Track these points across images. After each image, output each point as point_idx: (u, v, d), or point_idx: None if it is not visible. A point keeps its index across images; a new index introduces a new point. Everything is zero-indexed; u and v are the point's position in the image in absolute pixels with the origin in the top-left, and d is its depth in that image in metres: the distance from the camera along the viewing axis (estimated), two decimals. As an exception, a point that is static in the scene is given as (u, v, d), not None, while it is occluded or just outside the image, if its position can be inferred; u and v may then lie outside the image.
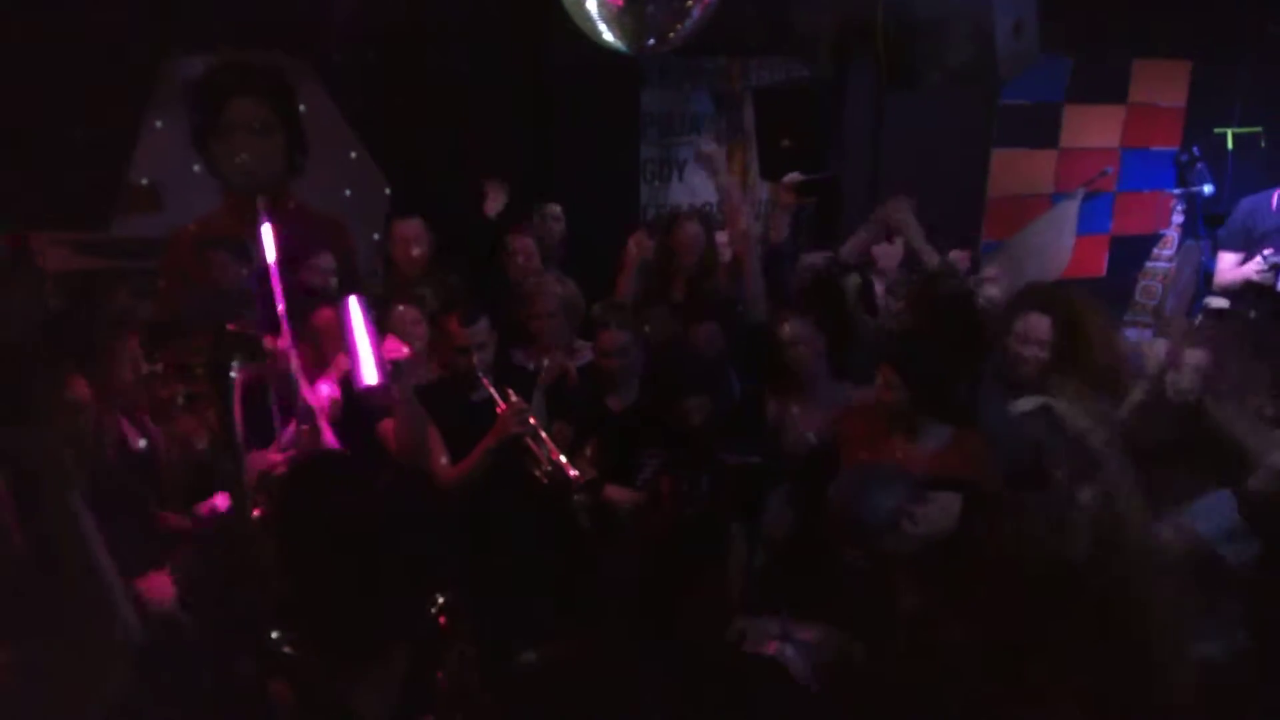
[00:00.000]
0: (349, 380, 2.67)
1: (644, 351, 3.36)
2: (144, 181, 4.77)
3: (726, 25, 3.93)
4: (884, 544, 2.19)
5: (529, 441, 2.92)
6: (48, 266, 3.65)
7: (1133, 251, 6.09)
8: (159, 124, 4.80)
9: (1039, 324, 3.04)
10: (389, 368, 2.66)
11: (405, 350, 2.76)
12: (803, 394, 3.31)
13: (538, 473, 2.91)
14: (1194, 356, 2.95)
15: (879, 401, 2.89)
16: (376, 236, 5.06)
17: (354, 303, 2.62)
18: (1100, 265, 6.23)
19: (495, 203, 3.99)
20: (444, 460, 2.98)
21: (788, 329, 3.29)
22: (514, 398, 2.94)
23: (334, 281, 3.61)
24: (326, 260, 3.60)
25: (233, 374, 2.02)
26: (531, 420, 2.92)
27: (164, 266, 3.79)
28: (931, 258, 3.85)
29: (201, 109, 4.88)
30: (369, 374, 2.56)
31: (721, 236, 4.25)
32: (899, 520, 2.18)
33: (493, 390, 2.96)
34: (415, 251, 3.98)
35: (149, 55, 4.68)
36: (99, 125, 4.48)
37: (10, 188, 4.11)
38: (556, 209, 4.16)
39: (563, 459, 2.89)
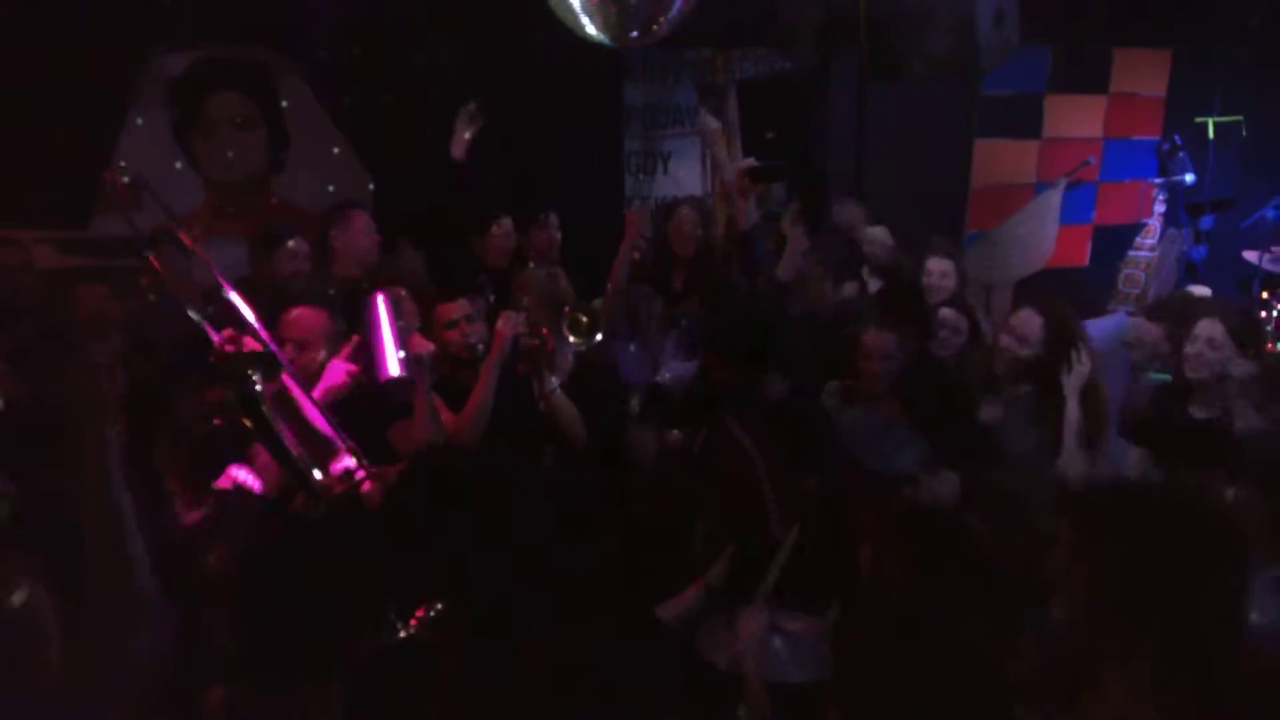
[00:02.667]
0: (368, 368, 2.73)
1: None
2: (125, 179, 4.73)
3: (710, 17, 3.93)
4: (882, 497, 2.17)
5: (527, 340, 2.95)
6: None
7: (1115, 240, 6.14)
8: (140, 121, 4.77)
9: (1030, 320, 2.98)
10: (414, 363, 2.74)
11: (431, 346, 2.83)
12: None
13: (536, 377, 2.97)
14: (1207, 328, 2.89)
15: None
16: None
17: (381, 300, 2.73)
18: (1083, 254, 6.26)
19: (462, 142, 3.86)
20: (449, 417, 2.98)
21: (870, 340, 3.08)
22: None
23: (307, 267, 3.57)
24: (299, 245, 3.55)
25: (258, 388, 2.04)
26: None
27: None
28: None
29: (183, 103, 4.88)
30: (393, 366, 2.67)
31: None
32: (904, 482, 2.17)
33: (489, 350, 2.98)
34: (364, 243, 3.95)
35: (131, 52, 4.65)
36: (80, 122, 4.45)
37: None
38: (554, 218, 4.14)
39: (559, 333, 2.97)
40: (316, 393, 2.48)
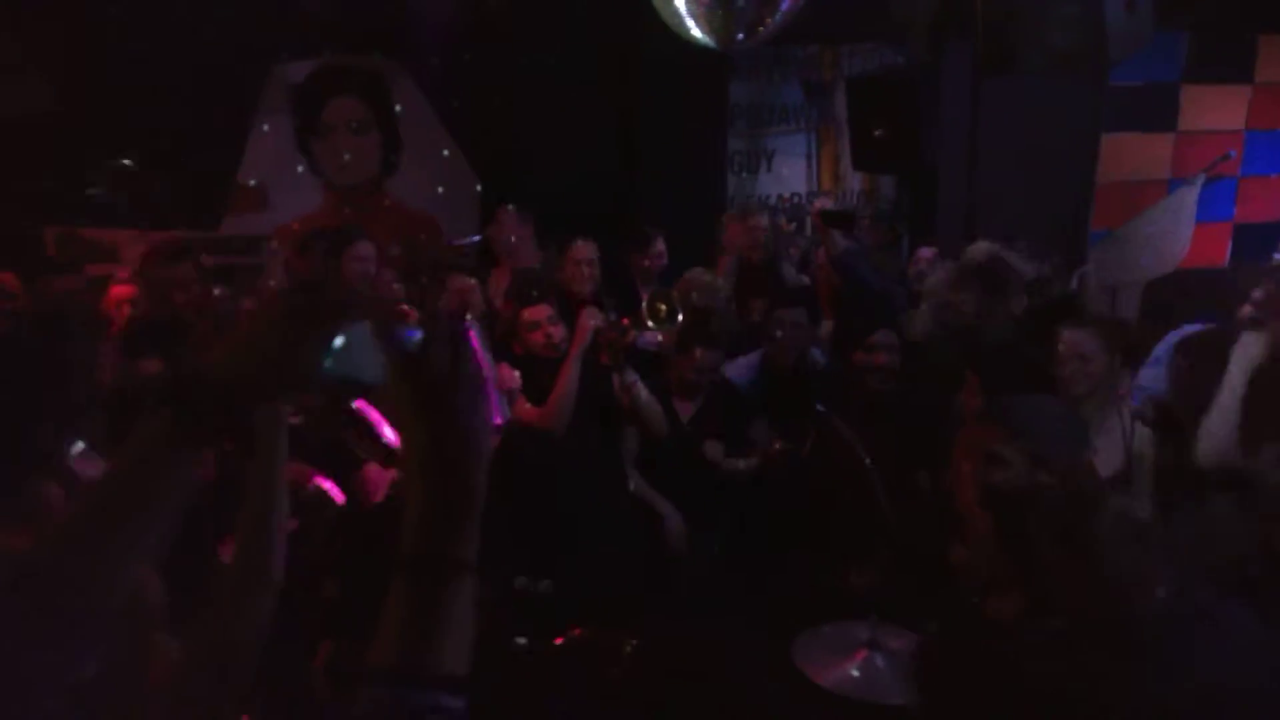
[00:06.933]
0: None
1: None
2: (252, 182, 5.00)
3: (818, 12, 3.84)
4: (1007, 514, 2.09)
5: (609, 333, 3.00)
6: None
7: (1259, 240, 5.67)
8: (265, 127, 5.03)
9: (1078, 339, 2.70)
10: (507, 400, 2.76)
11: (517, 380, 2.88)
12: None
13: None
14: None
15: (969, 406, 2.75)
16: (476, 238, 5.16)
17: (475, 338, 2.74)
18: (1222, 255, 5.82)
19: None
20: (530, 406, 3.02)
21: (1066, 339, 2.73)
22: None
23: (372, 270, 3.52)
24: (366, 249, 3.58)
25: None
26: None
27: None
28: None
29: (303, 109, 5.12)
30: (499, 411, 2.70)
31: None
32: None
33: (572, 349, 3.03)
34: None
35: (258, 61, 4.90)
36: (213, 128, 4.71)
37: (140, 189, 4.40)
38: (660, 245, 3.99)
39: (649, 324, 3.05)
40: None
